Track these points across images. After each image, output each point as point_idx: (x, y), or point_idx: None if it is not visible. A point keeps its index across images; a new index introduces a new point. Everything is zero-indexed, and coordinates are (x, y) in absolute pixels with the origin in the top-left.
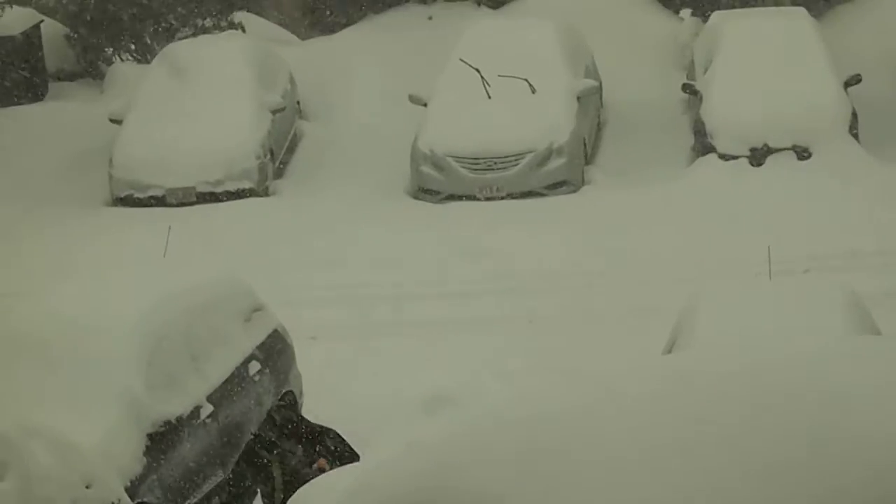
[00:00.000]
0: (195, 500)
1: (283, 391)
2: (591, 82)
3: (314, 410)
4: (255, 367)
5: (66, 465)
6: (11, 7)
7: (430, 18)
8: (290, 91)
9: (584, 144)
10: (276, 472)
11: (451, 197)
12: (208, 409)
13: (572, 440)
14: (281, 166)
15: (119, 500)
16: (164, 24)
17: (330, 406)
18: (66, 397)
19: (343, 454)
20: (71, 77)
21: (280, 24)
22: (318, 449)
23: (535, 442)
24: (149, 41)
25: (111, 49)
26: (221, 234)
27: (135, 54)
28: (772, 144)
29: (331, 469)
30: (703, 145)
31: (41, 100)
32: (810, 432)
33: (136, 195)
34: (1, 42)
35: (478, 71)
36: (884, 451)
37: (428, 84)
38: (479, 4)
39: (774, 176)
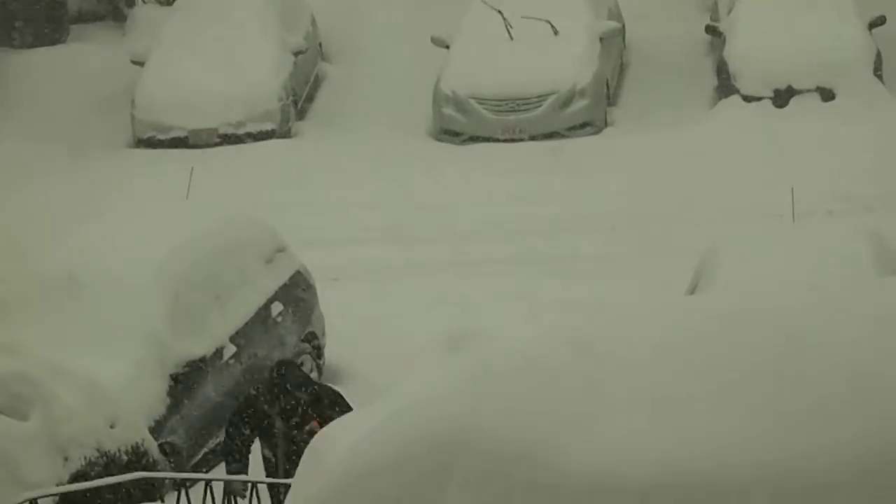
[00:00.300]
0: (217, 440)
1: (306, 332)
2: (614, 24)
3: (336, 351)
4: (277, 308)
5: (91, 405)
6: None
7: None
8: (312, 32)
9: (607, 86)
10: (279, 429)
11: (474, 138)
12: (231, 349)
13: (595, 384)
14: (303, 108)
15: (143, 441)
16: None
17: (352, 347)
18: (91, 338)
19: (343, 414)
20: (93, 19)
21: None
22: (318, 408)
23: (558, 386)
24: None
25: None
26: (243, 176)
27: None
28: (795, 86)
29: None
30: (726, 87)
31: (63, 42)
32: (834, 377)
33: (159, 137)
34: None
35: (500, 12)
36: None
37: (450, 26)
38: None
39: (798, 117)
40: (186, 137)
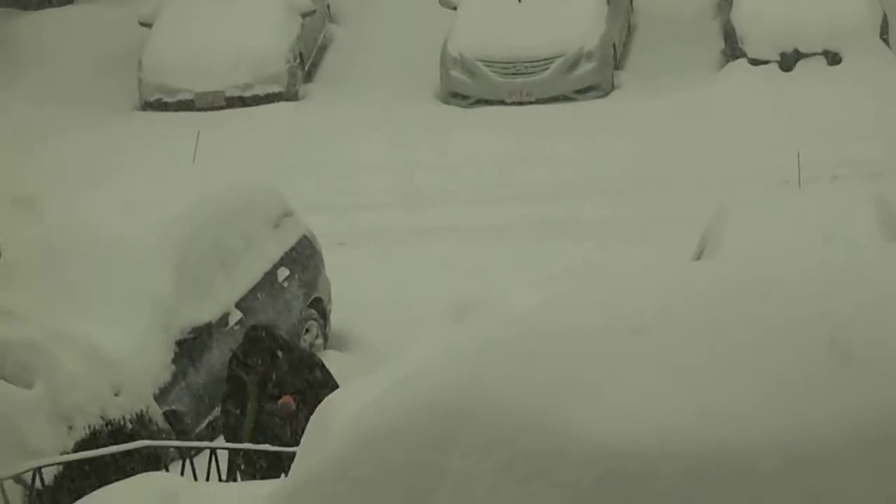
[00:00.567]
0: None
1: (312, 297)
2: None
3: (342, 317)
4: (283, 273)
5: (95, 372)
6: None
7: None
8: None
9: (614, 49)
10: (252, 397)
11: (481, 101)
12: (237, 315)
13: (599, 351)
14: (310, 70)
15: (148, 408)
16: None
17: (358, 313)
18: (96, 304)
19: (326, 385)
20: None
21: None
22: (297, 374)
23: (562, 353)
24: None
25: None
26: (250, 139)
27: None
28: (802, 49)
29: (295, 407)
30: (732, 50)
31: (71, 2)
32: (839, 344)
33: (165, 99)
34: None
35: None
36: None
37: None
38: None
39: (804, 81)
40: (193, 100)
